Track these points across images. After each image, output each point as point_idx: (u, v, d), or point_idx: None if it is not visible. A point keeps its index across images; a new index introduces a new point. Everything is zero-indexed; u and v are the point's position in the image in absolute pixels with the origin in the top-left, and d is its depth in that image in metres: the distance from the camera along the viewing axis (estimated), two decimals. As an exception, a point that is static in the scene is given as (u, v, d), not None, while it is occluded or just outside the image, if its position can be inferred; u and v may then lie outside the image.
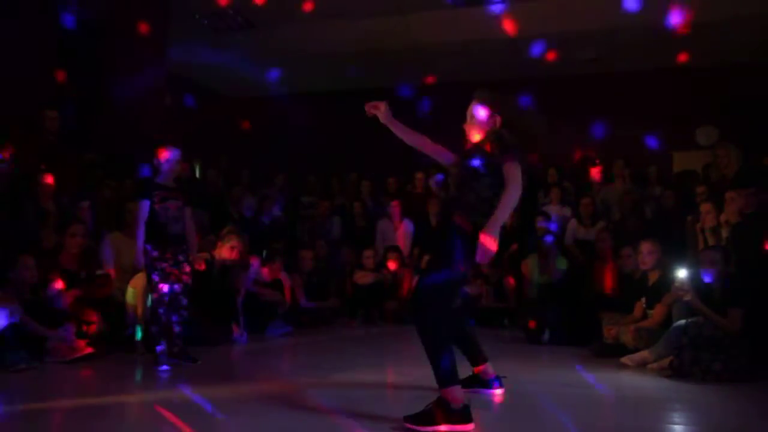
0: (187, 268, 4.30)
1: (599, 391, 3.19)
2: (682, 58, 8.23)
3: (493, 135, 3.12)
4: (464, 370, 3.18)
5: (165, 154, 4.31)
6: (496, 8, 7.90)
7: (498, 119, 3.18)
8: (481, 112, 3.20)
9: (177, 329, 4.24)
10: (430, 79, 9.19)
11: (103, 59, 7.44)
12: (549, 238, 6.34)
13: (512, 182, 2.89)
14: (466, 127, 3.27)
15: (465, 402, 2.77)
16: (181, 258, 4.27)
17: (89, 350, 4.34)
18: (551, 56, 8.35)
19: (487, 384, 3.50)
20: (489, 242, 2.80)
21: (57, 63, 6.77)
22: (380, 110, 3.17)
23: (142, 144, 6.57)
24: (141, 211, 4.21)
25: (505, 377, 3.55)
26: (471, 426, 2.74)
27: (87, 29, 7.79)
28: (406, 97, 7.64)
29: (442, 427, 2.71)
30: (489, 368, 3.51)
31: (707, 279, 4.33)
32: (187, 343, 4.36)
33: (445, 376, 2.78)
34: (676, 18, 6.36)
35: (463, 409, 2.75)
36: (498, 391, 3.47)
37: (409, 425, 2.74)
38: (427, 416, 2.74)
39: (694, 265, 4.49)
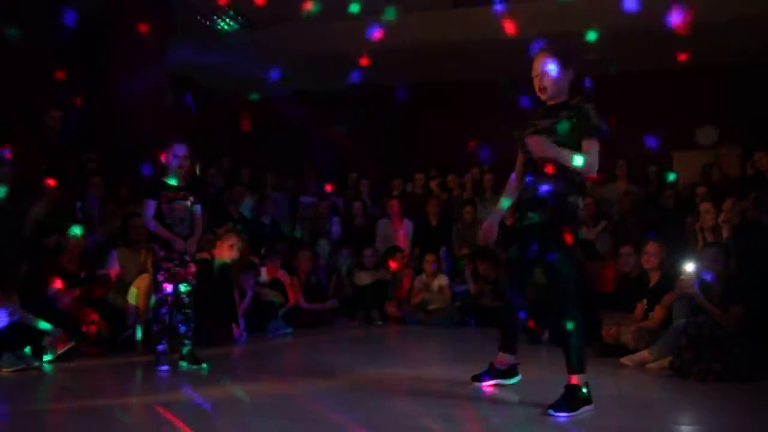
0: (193, 268, 4.29)
1: (599, 391, 3.19)
2: (682, 57, 8.21)
3: (577, 109, 2.90)
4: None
5: (173, 151, 4.21)
6: (498, 8, 7.88)
7: (571, 72, 2.95)
8: (552, 67, 2.89)
9: (183, 329, 4.21)
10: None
11: (104, 59, 7.44)
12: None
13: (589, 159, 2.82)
14: (536, 85, 3.01)
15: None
16: (187, 258, 4.26)
17: (93, 349, 4.35)
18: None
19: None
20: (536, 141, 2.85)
21: (57, 63, 6.77)
22: None
23: (142, 144, 6.59)
24: (147, 211, 4.17)
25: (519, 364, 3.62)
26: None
27: (87, 29, 7.80)
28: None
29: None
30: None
31: (707, 276, 4.33)
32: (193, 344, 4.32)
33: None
34: (676, 18, 6.33)
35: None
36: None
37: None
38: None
39: (695, 262, 4.49)
